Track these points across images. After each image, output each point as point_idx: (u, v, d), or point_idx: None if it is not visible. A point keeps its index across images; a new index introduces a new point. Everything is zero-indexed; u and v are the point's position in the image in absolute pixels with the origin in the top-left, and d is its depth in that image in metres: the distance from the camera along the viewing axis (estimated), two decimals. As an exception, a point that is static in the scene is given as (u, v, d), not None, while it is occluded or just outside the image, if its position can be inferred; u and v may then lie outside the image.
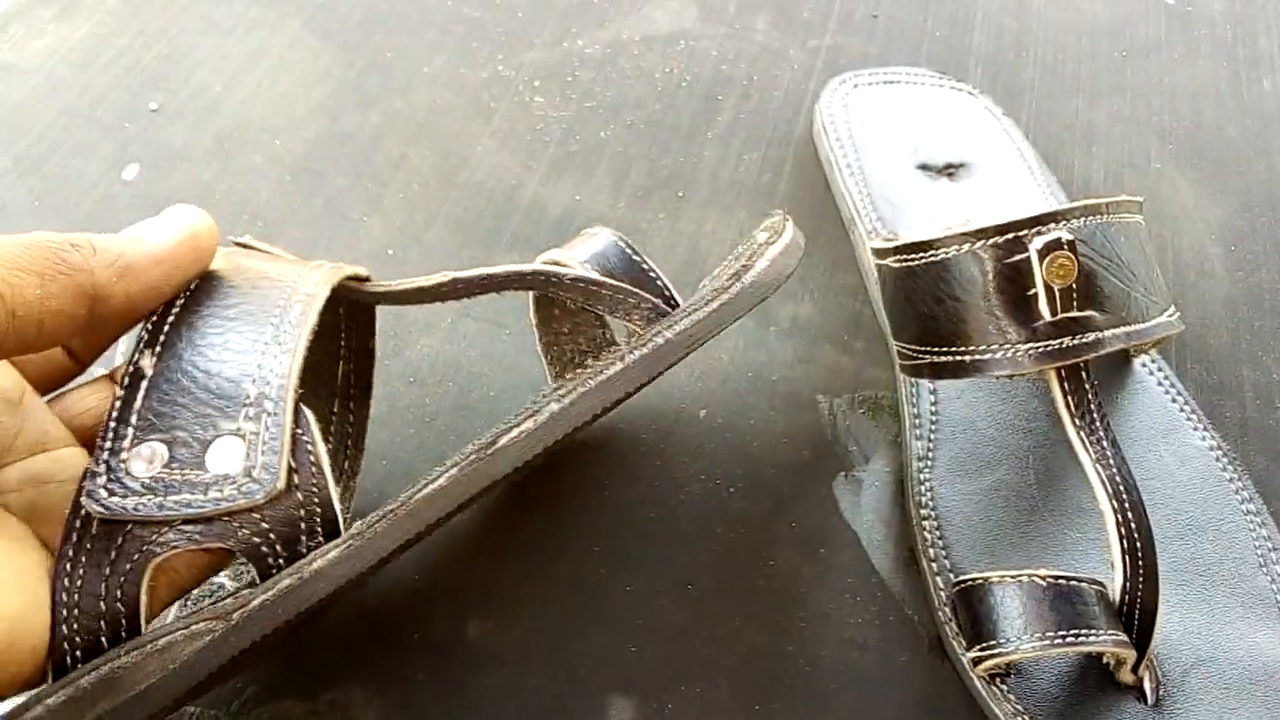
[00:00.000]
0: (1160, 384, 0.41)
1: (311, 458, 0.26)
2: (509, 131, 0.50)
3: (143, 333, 0.26)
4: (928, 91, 0.50)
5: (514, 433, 0.28)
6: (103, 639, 0.24)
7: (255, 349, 0.26)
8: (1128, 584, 0.32)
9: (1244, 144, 0.52)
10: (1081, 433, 0.34)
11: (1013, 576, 0.33)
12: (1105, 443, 0.33)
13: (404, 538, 0.27)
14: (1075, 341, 0.33)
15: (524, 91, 0.51)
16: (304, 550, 0.25)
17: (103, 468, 0.24)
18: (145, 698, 0.24)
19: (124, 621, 0.24)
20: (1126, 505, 0.32)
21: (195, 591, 0.31)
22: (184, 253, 0.27)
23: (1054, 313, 0.33)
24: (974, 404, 0.40)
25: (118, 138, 0.48)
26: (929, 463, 0.39)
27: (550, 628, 0.36)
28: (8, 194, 0.45)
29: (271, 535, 0.25)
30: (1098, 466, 0.33)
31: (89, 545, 0.24)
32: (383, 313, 0.43)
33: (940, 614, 0.36)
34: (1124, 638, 0.32)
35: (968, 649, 0.33)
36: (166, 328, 0.26)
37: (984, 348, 0.34)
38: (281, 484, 0.25)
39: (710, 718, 0.34)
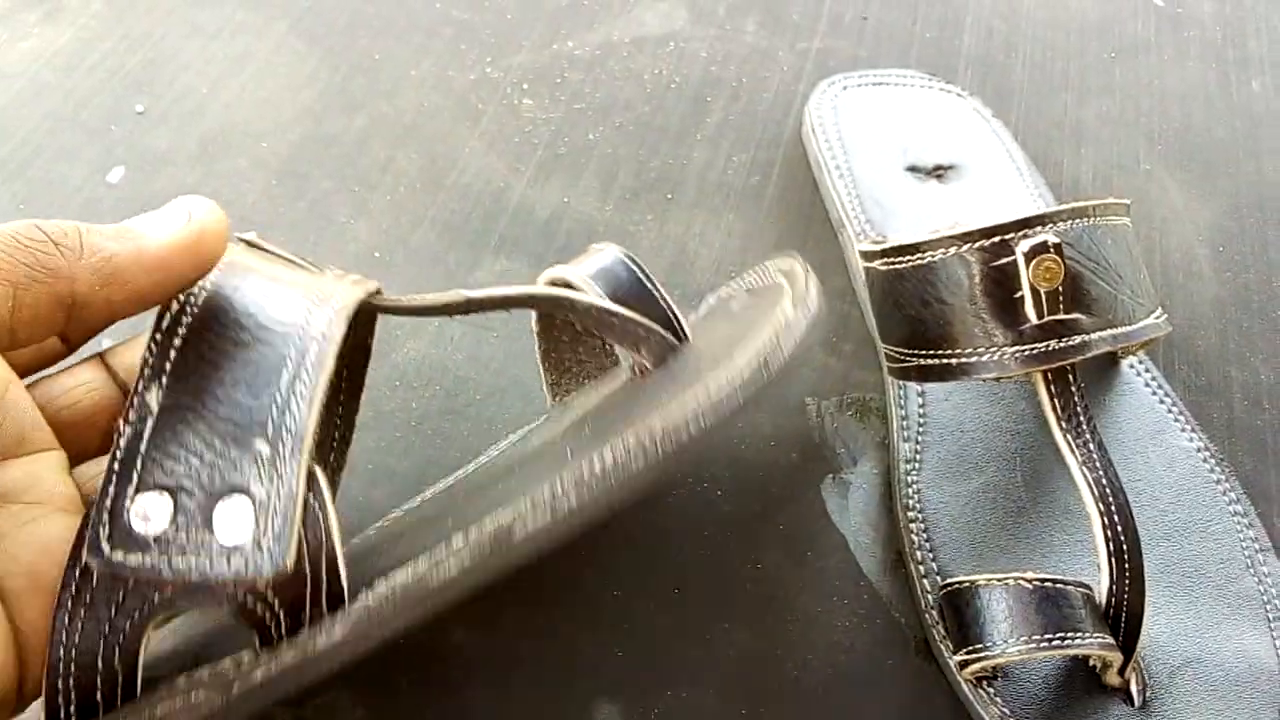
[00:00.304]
0: (1148, 385, 0.41)
1: (321, 524, 0.24)
2: (497, 134, 0.49)
3: (146, 358, 0.24)
4: (917, 93, 0.50)
5: (531, 522, 0.26)
6: (99, 696, 0.23)
7: (269, 391, 0.24)
8: (1114, 587, 0.32)
9: (1233, 145, 0.52)
10: (1068, 435, 0.34)
11: (999, 579, 0.33)
12: (1091, 445, 0.33)
13: (414, 618, 0.25)
14: (1061, 344, 0.33)
15: (512, 94, 0.51)
16: (306, 618, 0.24)
17: (105, 518, 0.23)
18: None
19: (121, 680, 0.23)
20: (1113, 508, 0.32)
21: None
22: (182, 260, 0.24)
23: (1040, 315, 0.33)
24: (962, 406, 0.40)
25: (103, 141, 0.47)
26: (916, 465, 0.39)
27: (536, 633, 0.36)
28: (-8, 198, 0.45)
29: (275, 603, 0.24)
30: (1084, 469, 0.33)
31: (89, 598, 0.23)
32: (369, 316, 0.43)
33: (927, 617, 0.35)
34: (1110, 640, 0.32)
35: (955, 652, 0.33)
36: (173, 354, 0.24)
37: (971, 350, 0.34)
38: (291, 561, 0.23)
39: (697, 722, 0.34)
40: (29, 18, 0.51)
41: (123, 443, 0.23)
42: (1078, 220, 0.34)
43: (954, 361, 0.34)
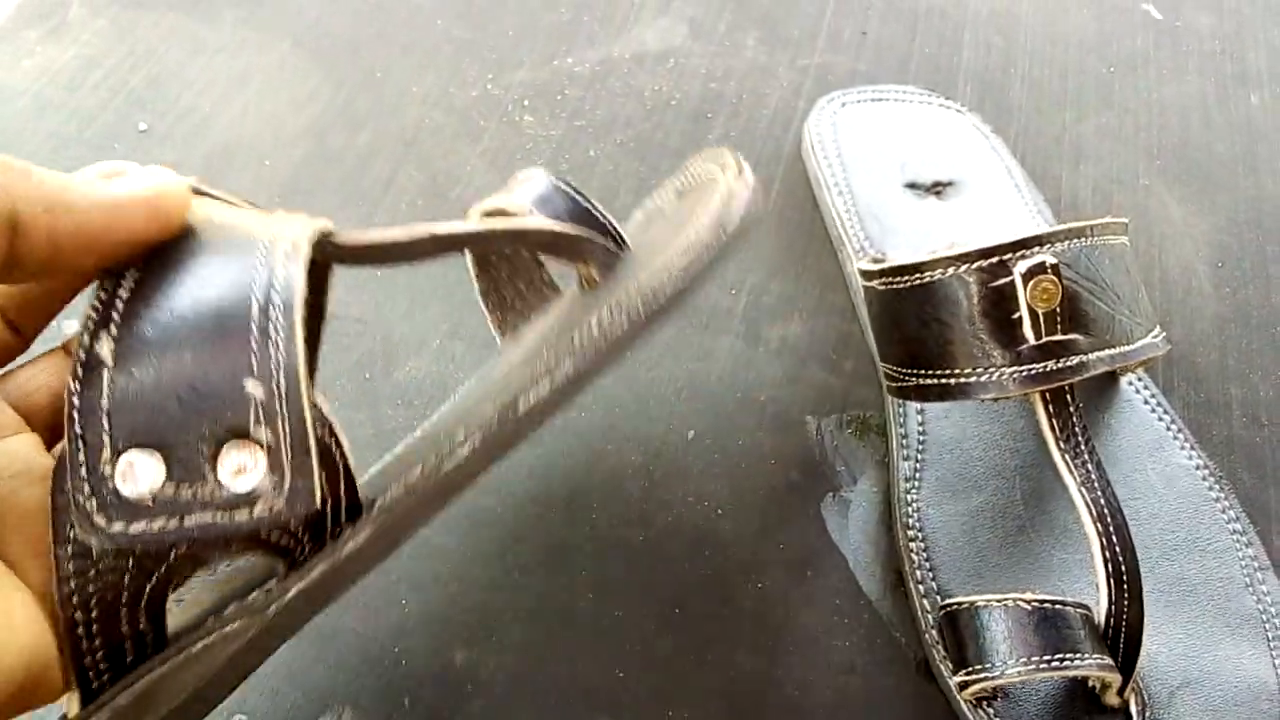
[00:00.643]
0: (1147, 402, 0.41)
1: (337, 455, 0.23)
2: (499, 150, 0.50)
3: (92, 308, 0.22)
4: (916, 109, 0.51)
5: (534, 394, 0.25)
6: (128, 661, 0.22)
7: (242, 331, 0.22)
8: (1113, 607, 0.32)
9: (1232, 160, 0.52)
10: (1066, 456, 0.34)
11: (998, 600, 0.33)
12: (1090, 466, 0.33)
13: (434, 511, 0.25)
14: (1059, 365, 0.33)
15: (513, 110, 0.51)
16: (329, 535, 0.23)
17: (85, 489, 0.20)
18: (187, 709, 0.22)
19: (150, 640, 0.22)
20: (1111, 529, 0.32)
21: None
22: (135, 208, 0.22)
23: (1038, 336, 0.33)
24: (961, 424, 0.40)
25: (106, 159, 0.47)
26: (916, 483, 0.39)
27: (537, 654, 0.36)
28: (-4, 216, 0.45)
29: (299, 531, 0.23)
30: (1082, 490, 0.33)
31: (94, 576, 0.21)
32: (370, 333, 0.43)
33: (928, 636, 0.36)
34: (1109, 661, 0.32)
35: (954, 673, 0.33)
36: (120, 303, 0.22)
37: (969, 371, 0.34)
38: (317, 499, 0.22)
39: (698, 742, 0.34)
40: (32, 35, 0.52)
41: (76, 399, 0.21)
42: (1075, 240, 0.34)
43: (952, 382, 0.34)
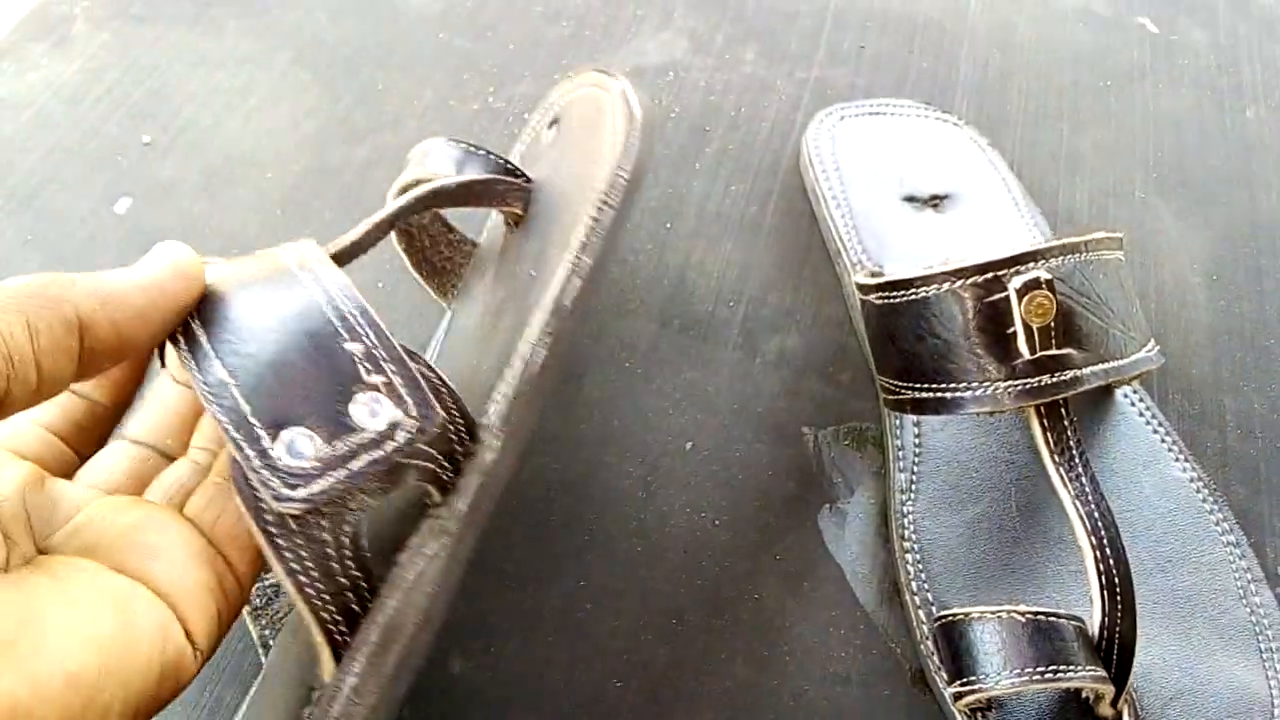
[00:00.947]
0: (1141, 414, 0.41)
1: (437, 379, 0.27)
2: (498, 163, 0.50)
3: (175, 337, 0.26)
4: (913, 122, 0.51)
5: (571, 289, 0.31)
6: (354, 607, 0.25)
7: (311, 303, 0.26)
8: (1106, 619, 0.33)
9: (1227, 173, 0.52)
10: (1061, 469, 0.34)
11: (992, 612, 0.33)
12: (1084, 479, 0.34)
13: (535, 416, 0.30)
14: (1054, 379, 0.34)
15: (514, 124, 0.51)
16: (460, 456, 0.28)
17: (265, 474, 0.24)
18: (427, 624, 0.27)
19: (367, 583, 0.26)
20: (1105, 541, 0.33)
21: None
22: (167, 279, 0.26)
23: (1033, 351, 0.33)
24: (957, 436, 0.40)
25: (109, 172, 0.48)
26: (912, 495, 0.39)
27: (535, 663, 0.36)
28: None
29: (439, 456, 0.27)
30: (1077, 503, 0.33)
31: (299, 540, 0.24)
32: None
33: (923, 647, 0.36)
34: (1102, 673, 0.32)
35: (949, 684, 0.34)
36: (206, 340, 0.26)
37: (964, 385, 0.34)
38: (441, 414, 0.26)
39: (695, 753, 0.34)
40: (36, 49, 0.52)
41: (224, 418, 0.24)
42: (1069, 256, 0.34)
43: (948, 395, 0.35)
